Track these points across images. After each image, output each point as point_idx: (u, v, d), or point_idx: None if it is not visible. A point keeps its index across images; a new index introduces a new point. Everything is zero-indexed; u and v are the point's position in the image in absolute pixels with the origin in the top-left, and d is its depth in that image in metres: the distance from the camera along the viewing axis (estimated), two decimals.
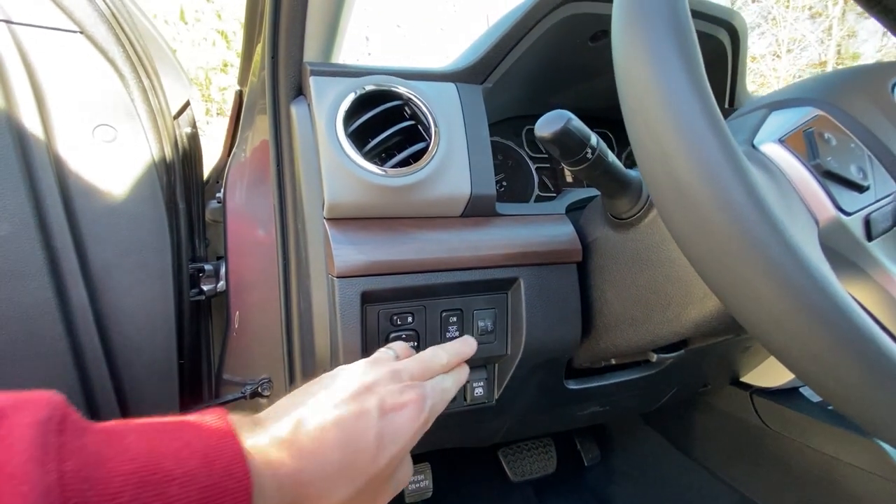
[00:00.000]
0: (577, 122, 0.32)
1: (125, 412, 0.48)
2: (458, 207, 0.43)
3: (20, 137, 0.41)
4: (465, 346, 0.38)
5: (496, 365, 0.48)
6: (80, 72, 0.43)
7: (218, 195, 0.64)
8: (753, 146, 0.26)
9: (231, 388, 0.65)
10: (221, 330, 0.70)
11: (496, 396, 0.49)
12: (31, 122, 0.41)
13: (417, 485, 0.72)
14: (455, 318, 0.43)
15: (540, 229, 0.45)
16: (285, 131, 0.47)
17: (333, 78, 0.42)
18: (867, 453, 0.59)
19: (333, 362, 0.41)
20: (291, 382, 0.58)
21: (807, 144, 0.25)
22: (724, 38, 0.54)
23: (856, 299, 0.25)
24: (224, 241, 0.63)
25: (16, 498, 0.14)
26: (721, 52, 0.55)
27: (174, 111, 0.54)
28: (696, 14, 0.50)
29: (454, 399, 0.49)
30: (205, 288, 0.63)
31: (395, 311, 0.41)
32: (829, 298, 0.18)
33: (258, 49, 0.55)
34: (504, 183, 0.62)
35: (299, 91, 0.47)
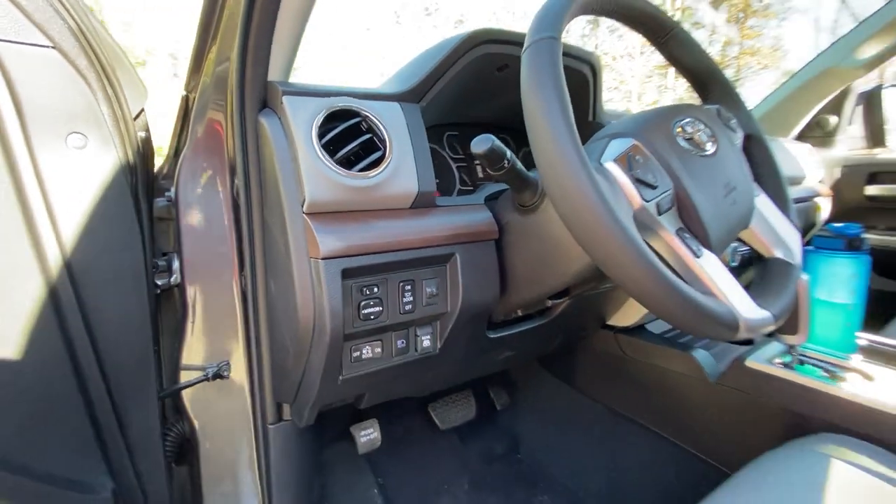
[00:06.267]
0: (498, 143, 0.47)
1: (111, 397, 0.53)
2: (408, 201, 0.56)
3: (5, 145, 0.44)
4: None
5: (438, 321, 0.62)
6: (54, 83, 0.46)
7: (168, 193, 0.67)
8: (600, 163, 0.43)
9: (191, 374, 0.70)
10: (169, 322, 0.74)
11: (439, 346, 0.63)
12: (13, 131, 0.44)
13: (369, 437, 0.85)
14: (409, 287, 0.56)
15: (468, 216, 0.60)
16: (252, 139, 0.55)
17: (303, 97, 0.51)
18: (685, 362, 0.86)
19: (318, 325, 0.51)
20: (250, 363, 0.66)
21: (627, 162, 0.43)
22: (587, 71, 0.73)
23: (654, 249, 0.44)
24: (177, 237, 0.67)
25: None
26: (585, 81, 0.74)
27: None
28: (568, 55, 0.68)
29: (405, 351, 0.62)
30: (159, 283, 0.67)
31: (364, 283, 0.53)
32: (638, 249, 0.36)
33: (213, 51, 0.60)
34: None
35: (264, 104, 0.55)
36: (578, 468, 1.06)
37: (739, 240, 0.54)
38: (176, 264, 0.68)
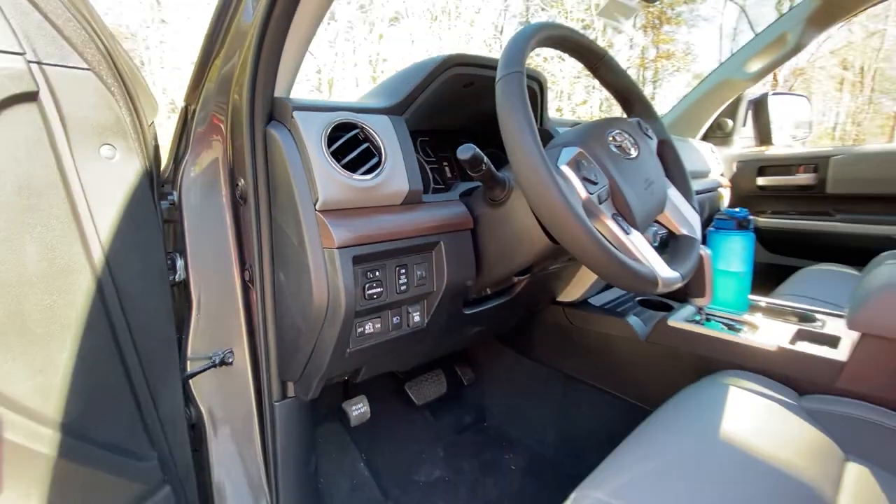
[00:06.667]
0: (478, 150, 0.59)
1: (146, 379, 0.59)
2: (400, 199, 0.66)
3: (57, 157, 0.49)
4: None
5: (426, 300, 0.73)
6: (90, 101, 0.52)
7: (170, 197, 0.72)
8: (558, 166, 0.57)
9: (198, 362, 0.76)
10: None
11: (426, 321, 0.74)
12: (61, 145, 0.49)
13: (359, 410, 0.94)
14: (403, 270, 0.67)
15: (448, 210, 0.72)
16: (260, 148, 0.63)
17: (310, 112, 0.61)
18: (620, 326, 1.04)
19: (332, 304, 0.60)
20: (255, 347, 0.74)
21: (576, 166, 0.57)
22: (536, 86, 0.88)
23: (598, 229, 0.58)
24: (181, 237, 0.73)
25: None
26: (535, 94, 0.89)
27: None
28: None
29: (399, 326, 0.72)
30: None
31: (368, 268, 0.63)
32: (587, 228, 0.50)
33: (219, 57, 0.67)
34: None
35: (271, 117, 0.63)
36: (537, 427, 1.22)
37: (657, 222, 0.71)
38: (180, 262, 0.74)
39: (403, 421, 1.19)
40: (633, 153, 0.65)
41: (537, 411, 1.24)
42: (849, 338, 0.81)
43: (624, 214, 0.59)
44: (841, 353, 0.78)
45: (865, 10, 1.39)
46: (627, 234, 0.57)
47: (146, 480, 0.55)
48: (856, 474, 0.59)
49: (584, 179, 0.57)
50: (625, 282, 0.53)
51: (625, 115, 0.77)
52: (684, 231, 0.70)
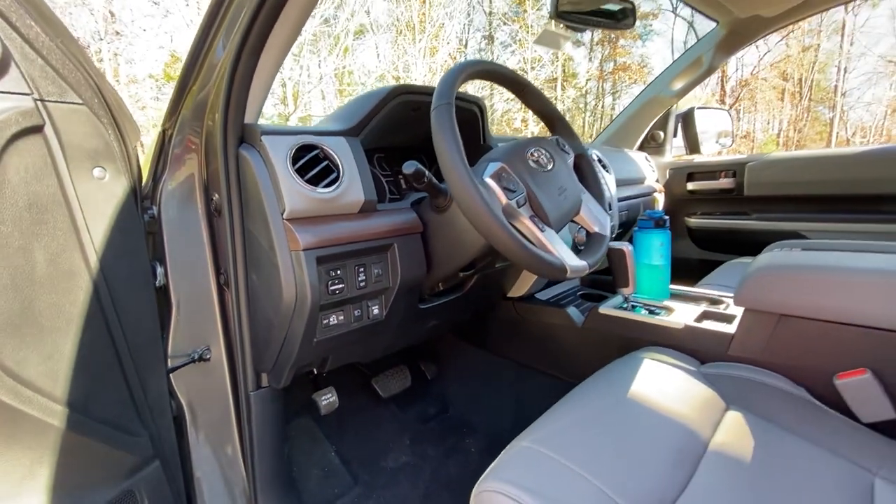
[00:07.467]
0: (420, 166, 0.71)
1: (136, 368, 0.68)
2: (357, 207, 0.78)
3: (59, 178, 0.58)
4: None
5: (383, 295, 0.84)
6: (84, 131, 0.61)
7: (150, 211, 0.81)
8: (482, 178, 0.70)
9: (178, 359, 0.84)
10: None
11: (385, 314, 0.85)
12: (62, 169, 0.58)
13: (328, 400, 1.04)
14: (362, 269, 0.78)
15: (400, 216, 0.83)
16: (233, 167, 0.73)
17: (276, 136, 0.71)
18: (561, 316, 1.18)
19: (299, 298, 0.71)
20: (230, 342, 0.83)
21: (497, 177, 0.70)
22: (476, 109, 1.01)
23: (517, 228, 0.72)
24: (161, 247, 0.81)
25: None
26: (475, 115, 1.02)
27: None
28: (463, 100, 0.96)
29: (360, 318, 0.83)
30: None
31: (330, 268, 0.74)
32: (504, 225, 0.63)
33: (195, 85, 0.77)
34: None
35: (241, 140, 0.74)
36: (494, 414, 1.34)
37: (574, 222, 0.85)
38: (160, 270, 0.82)
39: (371, 414, 1.29)
40: (549, 166, 0.78)
41: (494, 399, 1.36)
42: (740, 314, 0.97)
43: (540, 216, 0.73)
44: (732, 328, 0.93)
45: (766, 36, 1.61)
46: (542, 231, 0.71)
47: (139, 453, 0.63)
48: (731, 418, 0.74)
49: (505, 188, 0.70)
50: (537, 269, 0.66)
51: (548, 135, 0.91)
52: (596, 229, 0.84)
